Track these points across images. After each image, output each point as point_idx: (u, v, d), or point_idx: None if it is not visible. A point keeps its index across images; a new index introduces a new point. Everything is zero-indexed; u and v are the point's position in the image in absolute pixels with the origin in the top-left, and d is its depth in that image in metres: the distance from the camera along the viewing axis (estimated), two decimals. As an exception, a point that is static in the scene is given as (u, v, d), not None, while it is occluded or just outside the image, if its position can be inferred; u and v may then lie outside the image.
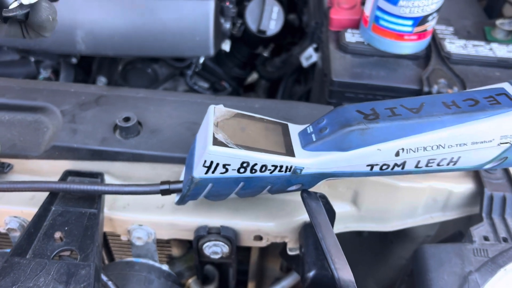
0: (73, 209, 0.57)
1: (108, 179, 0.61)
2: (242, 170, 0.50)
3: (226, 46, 1.02)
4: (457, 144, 0.50)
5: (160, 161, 0.60)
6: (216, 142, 0.48)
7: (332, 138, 0.50)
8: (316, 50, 1.18)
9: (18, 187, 0.56)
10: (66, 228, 0.55)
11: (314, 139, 0.52)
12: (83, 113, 0.63)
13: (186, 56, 0.95)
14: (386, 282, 0.76)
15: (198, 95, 0.67)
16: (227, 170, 0.49)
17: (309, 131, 0.54)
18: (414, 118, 0.50)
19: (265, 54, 1.23)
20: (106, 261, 0.69)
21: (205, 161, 0.48)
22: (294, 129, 0.56)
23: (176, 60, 1.09)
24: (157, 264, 0.64)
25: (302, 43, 1.31)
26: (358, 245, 0.68)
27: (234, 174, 0.50)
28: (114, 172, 0.62)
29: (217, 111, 0.54)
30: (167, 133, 0.61)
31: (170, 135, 0.61)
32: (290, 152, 0.51)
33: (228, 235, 0.59)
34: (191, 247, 0.79)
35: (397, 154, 0.50)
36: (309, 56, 1.20)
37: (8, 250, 0.64)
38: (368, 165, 0.51)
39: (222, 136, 0.49)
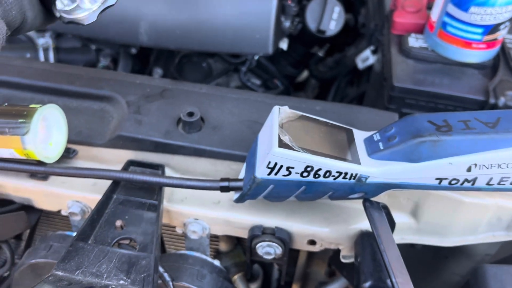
0: (134, 199, 0.58)
1: (167, 172, 0.62)
2: (305, 174, 0.49)
3: (283, 44, 1.02)
4: (535, 164, 0.47)
5: (220, 157, 0.60)
6: (282, 144, 0.48)
7: (401, 148, 0.49)
8: (373, 52, 1.16)
9: (84, 174, 0.58)
10: (127, 217, 0.56)
11: (381, 148, 0.51)
12: (148, 105, 0.64)
13: (245, 53, 0.95)
14: (437, 297, 0.74)
15: (259, 94, 0.66)
16: (290, 172, 0.49)
17: (375, 139, 0.53)
18: (490, 133, 0.47)
19: (320, 53, 1.22)
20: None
21: (269, 162, 0.48)
22: (359, 135, 0.55)
23: (232, 56, 1.09)
24: (209, 259, 0.64)
25: (357, 44, 1.28)
26: (410, 256, 0.66)
27: (297, 177, 0.49)
28: (174, 165, 0.63)
29: (282, 112, 0.54)
30: (228, 130, 0.62)
31: (231, 132, 0.61)
32: (355, 159, 0.50)
33: (282, 237, 0.58)
34: (238, 243, 0.79)
35: (469, 169, 0.48)
36: (365, 58, 1.18)
37: (67, 232, 0.66)
38: (437, 179, 0.49)
39: (287, 138, 0.49)
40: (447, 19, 0.80)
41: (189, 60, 1.17)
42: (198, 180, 0.56)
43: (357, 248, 0.58)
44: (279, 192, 0.52)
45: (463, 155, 0.48)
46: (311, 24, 1.00)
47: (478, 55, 0.81)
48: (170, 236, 0.74)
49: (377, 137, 0.53)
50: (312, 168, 0.49)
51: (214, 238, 0.76)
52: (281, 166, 0.48)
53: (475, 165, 0.48)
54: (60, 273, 0.47)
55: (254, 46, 0.88)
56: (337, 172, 0.49)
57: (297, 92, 1.57)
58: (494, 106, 0.77)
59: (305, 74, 1.39)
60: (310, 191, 0.52)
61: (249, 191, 0.52)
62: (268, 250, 0.59)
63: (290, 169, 0.49)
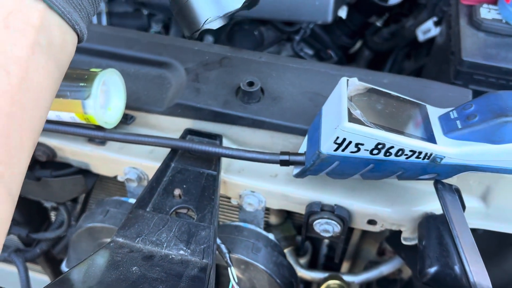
0: (192, 168, 0.57)
1: (225, 142, 0.61)
2: (375, 151, 0.46)
3: (342, 12, 0.97)
4: None
5: (279, 130, 0.58)
6: (352, 118, 0.45)
7: (482, 127, 0.45)
8: (436, 24, 1.09)
9: (142, 140, 0.57)
10: (184, 186, 0.55)
11: (459, 126, 0.47)
12: (206, 73, 0.62)
13: (303, 20, 0.91)
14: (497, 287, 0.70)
15: (322, 64, 0.63)
16: (359, 149, 0.46)
17: (452, 116, 0.49)
18: None
19: (378, 23, 1.15)
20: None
21: (337, 138, 0.46)
22: (434, 112, 0.51)
23: (285, 24, 1.05)
24: (264, 233, 0.63)
25: (416, 15, 1.21)
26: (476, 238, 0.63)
27: (366, 154, 0.47)
28: (231, 136, 0.61)
29: (350, 84, 0.50)
30: (289, 101, 0.59)
31: (292, 104, 0.59)
32: (431, 138, 0.47)
33: (342, 215, 0.56)
34: (288, 217, 0.78)
35: (559, 153, 0.44)
36: (427, 29, 1.11)
37: (122, 198, 0.67)
38: (520, 162, 0.45)
39: (358, 113, 0.46)
40: (527, -12, 0.73)
41: (240, 28, 1.14)
42: (257, 152, 0.54)
43: (421, 231, 0.55)
44: (344, 169, 0.49)
45: (554, 137, 0.43)
46: (373, -8, 0.94)
47: (559, 29, 0.74)
48: (223, 206, 0.73)
49: (454, 114, 0.49)
50: (384, 145, 0.46)
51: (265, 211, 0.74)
52: (350, 142, 0.46)
53: None
54: (120, 239, 0.47)
55: (313, 13, 0.84)
56: (410, 151, 0.46)
57: (348, 63, 1.51)
58: None
59: (357, 45, 1.33)
60: (378, 170, 0.49)
61: (312, 167, 0.50)
62: (326, 227, 0.57)
63: (360, 146, 0.46)
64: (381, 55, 1.27)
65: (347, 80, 0.51)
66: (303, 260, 0.81)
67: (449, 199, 0.47)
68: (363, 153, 0.47)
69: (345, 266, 0.85)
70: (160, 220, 0.49)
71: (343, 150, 0.47)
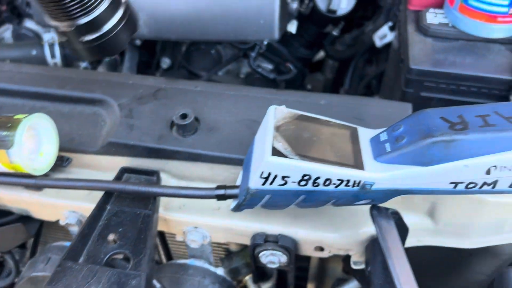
0: (128, 209, 0.55)
1: (164, 177, 0.59)
2: (303, 183, 0.44)
3: (292, 27, 0.95)
4: None
5: (218, 161, 0.56)
6: (275, 151, 0.43)
7: (410, 150, 0.44)
8: (391, 28, 1.08)
9: (74, 185, 0.55)
10: (120, 229, 0.53)
11: (388, 149, 0.45)
12: (140, 107, 0.60)
13: (250, 40, 0.89)
14: (461, 297, 0.69)
15: (259, 89, 0.61)
16: (286, 182, 0.44)
17: (382, 139, 0.47)
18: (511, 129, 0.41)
19: (335, 33, 1.14)
20: (164, 259, 0.68)
21: (262, 172, 0.44)
22: (365, 134, 0.49)
23: (240, 42, 1.04)
24: (212, 268, 0.61)
25: (375, 19, 1.20)
26: (431, 253, 0.61)
27: (294, 186, 0.45)
28: (170, 170, 0.59)
29: (278, 113, 0.49)
30: (226, 131, 0.57)
31: (229, 134, 0.57)
32: (359, 164, 0.45)
33: (286, 245, 0.54)
34: (249, 242, 0.76)
35: (488, 172, 0.42)
36: (383, 35, 1.10)
37: (65, 243, 0.64)
38: (451, 183, 0.44)
39: (281, 145, 0.44)
40: (468, -9, 0.72)
41: (197, 48, 1.13)
42: (192, 189, 0.52)
43: (368, 255, 0.53)
44: (277, 201, 0.48)
45: (481, 156, 0.42)
46: (321, 4, 0.93)
47: (504, 29, 0.74)
48: (174, 242, 0.71)
49: (384, 136, 0.47)
50: (310, 176, 0.44)
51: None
52: (276, 176, 0.44)
53: (495, 167, 0.42)
54: (47, 296, 0.44)
55: (259, 32, 0.83)
56: (338, 180, 0.44)
57: (315, 73, 1.50)
58: (523, 86, 0.70)
59: (322, 53, 1.32)
60: (310, 200, 0.47)
61: (244, 202, 0.48)
62: (271, 259, 0.55)
63: (286, 179, 0.44)
64: (345, 63, 1.26)
65: (275, 108, 0.49)
66: (267, 285, 0.79)
67: (384, 225, 0.46)
68: (292, 185, 0.45)
69: (313, 285, 0.83)
70: (89, 272, 0.47)
71: (270, 184, 0.45)
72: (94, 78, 0.64)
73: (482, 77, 0.72)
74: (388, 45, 1.09)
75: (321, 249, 0.56)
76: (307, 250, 0.56)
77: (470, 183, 0.43)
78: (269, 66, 1.15)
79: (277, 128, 0.47)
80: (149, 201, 0.55)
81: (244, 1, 0.81)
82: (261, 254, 0.56)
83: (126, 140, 0.57)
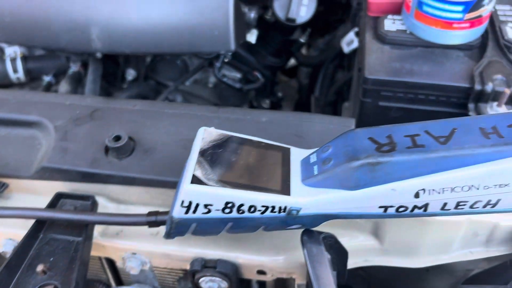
0: (61, 237, 0.53)
1: (102, 202, 0.57)
2: (227, 210, 0.42)
3: (251, 37, 0.93)
4: (495, 185, 0.39)
5: (154, 185, 0.54)
6: (195, 179, 0.41)
7: (336, 173, 0.42)
8: (357, 34, 1.06)
9: (3, 214, 0.53)
10: (52, 258, 0.51)
11: (315, 172, 0.43)
12: (76, 129, 0.58)
13: (205, 52, 0.87)
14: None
15: (200, 107, 0.59)
16: (210, 210, 0.42)
17: (312, 161, 0.45)
18: (440, 150, 0.39)
19: (302, 40, 1.12)
20: (113, 284, 0.66)
21: (182, 201, 0.42)
22: (297, 155, 0.47)
23: (195, 54, 1.02)
24: (154, 295, 0.59)
25: (346, 25, 1.19)
26: (387, 269, 0.59)
27: (219, 214, 0.43)
28: (108, 194, 0.57)
29: (206, 135, 0.47)
30: (162, 152, 0.55)
31: (165, 155, 0.55)
32: (285, 189, 0.43)
33: (225, 271, 0.52)
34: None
35: (417, 195, 0.40)
36: (350, 41, 1.08)
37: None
38: (381, 207, 0.42)
39: (203, 172, 0.42)
40: (422, -3, 0.70)
41: (162, 58, 1.10)
42: (123, 216, 0.50)
43: (307, 278, 0.51)
44: (206, 229, 0.45)
45: (408, 179, 0.40)
46: (279, 13, 0.91)
47: (460, 35, 0.72)
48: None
49: (313, 158, 0.45)
50: (233, 204, 0.42)
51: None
52: (198, 204, 0.42)
53: (423, 190, 0.40)
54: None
55: (214, 44, 0.81)
56: (262, 206, 0.42)
57: (291, 78, 1.49)
58: (481, 93, 0.68)
59: (293, 60, 1.30)
60: (239, 227, 0.45)
61: (170, 231, 0.46)
62: (211, 285, 0.53)
63: (209, 207, 0.42)
64: (318, 68, 1.24)
65: (204, 130, 0.47)
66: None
67: (313, 252, 0.44)
68: (216, 213, 0.43)
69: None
70: (11, 309, 0.45)
71: (194, 212, 0.43)
72: (31, 99, 0.62)
73: (439, 85, 0.70)
74: (356, 51, 1.07)
75: (263, 272, 0.54)
76: (249, 274, 0.54)
77: (400, 206, 0.41)
78: (238, 75, 1.13)
79: (203, 152, 0.45)
80: (83, 227, 0.53)
81: (198, 13, 0.79)
82: (200, 280, 0.53)
83: (59, 164, 0.55)
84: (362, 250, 0.54)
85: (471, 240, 0.53)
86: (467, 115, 0.69)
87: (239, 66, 1.11)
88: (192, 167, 0.43)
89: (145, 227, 0.55)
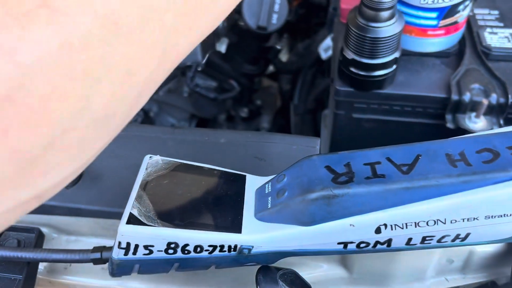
0: (1, 275, 0.49)
1: (49, 233, 0.53)
2: (170, 251, 0.38)
3: (221, 47, 0.89)
4: (463, 219, 0.35)
5: (102, 216, 0.50)
6: (132, 218, 0.37)
7: (289, 207, 0.38)
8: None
9: None
10: (-10, 300, 0.47)
11: (269, 205, 0.39)
12: (20, 156, 0.54)
13: (171, 63, 0.83)
14: None
15: (154, 128, 0.55)
16: (151, 251, 0.38)
17: (267, 191, 0.41)
18: (401, 181, 0.35)
19: (278, 46, 1.08)
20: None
21: (119, 243, 0.38)
22: (253, 184, 0.43)
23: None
24: (108, 333, 0.55)
25: (325, 29, 1.15)
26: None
27: (162, 255, 0.39)
28: (55, 225, 0.53)
29: (150, 165, 0.43)
30: (110, 180, 0.51)
31: (113, 183, 0.51)
32: (236, 225, 0.39)
33: (180, 308, 0.48)
34: None
35: (378, 230, 0.36)
36: (327, 47, 1.04)
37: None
38: (340, 243, 0.38)
39: (140, 210, 0.38)
40: (393, 4, 0.66)
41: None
42: (66, 252, 0.46)
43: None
44: (150, 269, 0.41)
45: (367, 213, 0.36)
46: (250, 21, 0.87)
47: (436, 43, 0.68)
48: None
49: (268, 188, 0.41)
50: (177, 244, 0.38)
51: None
52: (137, 245, 0.38)
53: (385, 225, 0.36)
54: None
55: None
56: (209, 246, 0.38)
57: (273, 82, 1.44)
58: (458, 104, 0.64)
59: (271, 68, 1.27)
60: (187, 267, 0.41)
61: (114, 271, 0.42)
62: (166, 324, 0.49)
63: (150, 248, 0.38)
64: (297, 74, 1.20)
65: (148, 160, 0.43)
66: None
67: (268, 294, 0.40)
68: (159, 254, 0.39)
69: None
70: None
71: (134, 254, 0.39)
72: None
73: (415, 96, 0.67)
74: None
75: (223, 309, 0.50)
76: (208, 310, 0.50)
77: (361, 242, 0.38)
78: (213, 84, 1.09)
79: (145, 185, 0.41)
80: (24, 265, 0.49)
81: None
82: (155, 318, 0.49)
83: (-1, 195, 0.51)
84: (331, 280, 0.50)
85: (446, 267, 0.49)
86: (444, 126, 0.65)
87: (214, 75, 1.07)
88: (130, 204, 0.38)
89: (95, 261, 0.51)
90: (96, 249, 0.45)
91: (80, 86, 0.22)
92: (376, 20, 0.55)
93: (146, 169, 0.42)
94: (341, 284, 0.50)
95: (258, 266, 0.42)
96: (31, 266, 0.49)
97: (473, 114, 0.64)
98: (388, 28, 0.55)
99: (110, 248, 0.45)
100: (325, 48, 1.04)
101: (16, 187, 0.22)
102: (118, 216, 0.49)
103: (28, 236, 0.52)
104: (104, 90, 0.23)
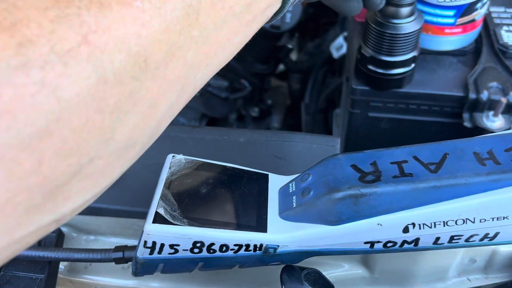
0: (23, 274, 0.49)
1: (69, 233, 0.53)
2: (196, 250, 0.38)
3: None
4: (492, 218, 0.35)
5: (123, 215, 0.50)
6: (158, 217, 0.37)
7: (315, 206, 0.37)
8: (346, 39, 1.02)
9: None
10: (12, 299, 0.47)
11: (294, 205, 0.39)
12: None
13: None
14: None
15: (173, 127, 0.55)
16: (176, 250, 0.38)
17: (291, 190, 0.41)
18: (430, 180, 0.35)
19: (290, 46, 1.08)
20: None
21: (145, 242, 0.37)
22: (276, 183, 0.43)
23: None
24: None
25: (336, 27, 1.14)
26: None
27: (187, 254, 0.39)
28: (75, 224, 0.53)
29: (173, 165, 0.43)
30: (131, 179, 0.51)
31: (134, 182, 0.51)
32: (261, 224, 0.39)
33: (202, 308, 0.48)
34: None
35: (406, 230, 0.36)
36: (339, 46, 1.04)
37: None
38: (366, 242, 0.38)
39: (168, 208, 0.38)
40: (411, 3, 0.66)
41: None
42: (87, 251, 0.46)
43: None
44: (175, 269, 0.41)
45: (395, 212, 0.36)
46: (263, 20, 0.86)
47: (453, 41, 0.68)
48: None
49: (292, 187, 0.41)
50: (203, 243, 0.38)
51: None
52: (163, 245, 0.38)
53: (413, 224, 0.36)
54: None
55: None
56: (235, 245, 0.38)
57: (283, 81, 1.44)
58: (476, 102, 0.64)
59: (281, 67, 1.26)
60: (211, 266, 0.41)
61: (137, 271, 0.42)
62: (187, 322, 0.49)
63: (176, 247, 0.38)
64: (308, 74, 1.19)
65: (171, 159, 0.43)
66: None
67: (293, 294, 0.39)
68: (184, 253, 0.39)
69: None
70: None
71: (159, 253, 0.39)
72: None
73: (432, 94, 0.66)
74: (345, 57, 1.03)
75: (245, 308, 0.50)
76: (229, 310, 0.50)
77: (388, 242, 0.37)
78: (224, 83, 1.09)
79: (169, 184, 0.41)
80: (45, 264, 0.49)
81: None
82: (176, 318, 0.49)
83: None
84: (352, 280, 0.50)
85: (469, 266, 0.49)
86: (461, 125, 0.65)
87: (225, 74, 1.07)
88: (155, 203, 0.38)
89: (115, 261, 0.51)
90: (118, 249, 0.45)
91: (109, 118, 0.23)
92: (396, 16, 0.55)
93: (170, 168, 0.42)
94: (362, 284, 0.50)
95: (278, 266, 0.42)
96: (53, 266, 0.49)
97: (491, 112, 0.63)
98: (408, 25, 0.55)
99: (132, 248, 0.45)
100: (337, 46, 1.03)
101: (41, 213, 0.23)
102: (139, 215, 0.49)
103: (49, 235, 0.52)
104: (128, 121, 0.24)
